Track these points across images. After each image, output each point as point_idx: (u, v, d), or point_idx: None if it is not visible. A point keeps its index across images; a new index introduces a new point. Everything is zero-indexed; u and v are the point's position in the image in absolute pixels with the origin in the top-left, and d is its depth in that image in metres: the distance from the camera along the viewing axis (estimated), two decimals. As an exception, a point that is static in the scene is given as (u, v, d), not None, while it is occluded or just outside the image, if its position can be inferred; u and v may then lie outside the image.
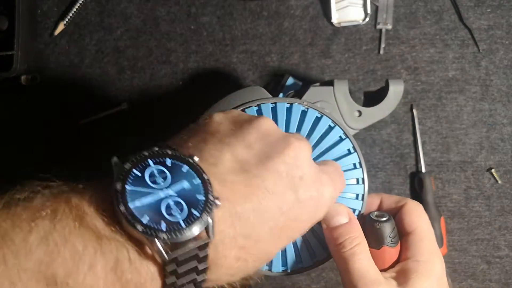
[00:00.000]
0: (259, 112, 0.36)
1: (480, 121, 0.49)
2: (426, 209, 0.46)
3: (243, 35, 0.49)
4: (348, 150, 0.36)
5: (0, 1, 0.47)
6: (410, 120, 0.49)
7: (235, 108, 0.36)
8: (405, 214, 0.34)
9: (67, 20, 0.49)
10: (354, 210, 0.35)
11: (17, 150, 0.49)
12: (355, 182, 0.36)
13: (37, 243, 0.20)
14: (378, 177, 0.49)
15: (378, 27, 0.49)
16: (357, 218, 0.34)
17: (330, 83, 0.41)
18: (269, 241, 0.26)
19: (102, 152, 0.36)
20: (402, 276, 0.32)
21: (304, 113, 0.36)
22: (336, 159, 0.35)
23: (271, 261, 0.35)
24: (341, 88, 0.40)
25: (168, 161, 0.24)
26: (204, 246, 0.23)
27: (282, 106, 0.36)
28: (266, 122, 0.29)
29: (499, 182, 0.49)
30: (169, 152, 0.24)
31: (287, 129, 0.35)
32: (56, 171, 0.24)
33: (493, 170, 0.49)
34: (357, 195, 0.36)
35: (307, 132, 0.36)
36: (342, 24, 0.49)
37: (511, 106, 0.49)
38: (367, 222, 0.34)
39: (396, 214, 0.35)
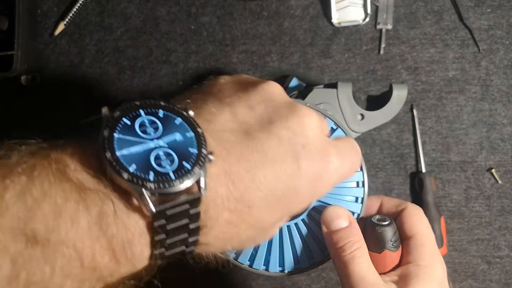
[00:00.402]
0: None
1: (480, 121, 0.49)
2: (426, 209, 0.47)
3: (243, 35, 0.49)
4: None
5: (0, 1, 0.47)
6: (410, 120, 0.49)
7: None
8: (406, 218, 0.34)
9: (67, 20, 0.49)
10: (353, 213, 0.35)
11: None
12: (355, 185, 0.36)
13: (14, 200, 0.19)
14: (378, 177, 0.49)
15: (378, 27, 0.49)
16: (357, 221, 0.34)
17: (334, 85, 0.41)
18: (263, 208, 0.25)
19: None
20: (403, 280, 0.32)
21: None
22: None
23: (269, 261, 0.35)
24: (345, 91, 0.40)
25: (161, 112, 0.23)
26: (195, 202, 0.21)
27: None
28: (273, 86, 0.27)
29: (499, 182, 0.49)
30: (163, 103, 0.23)
31: None
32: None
33: (493, 170, 0.49)
34: (357, 198, 0.36)
35: None
36: (342, 24, 0.49)
37: (511, 106, 0.49)
38: (368, 226, 0.34)
39: (396, 218, 0.35)
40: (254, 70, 0.49)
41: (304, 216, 0.35)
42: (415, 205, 0.35)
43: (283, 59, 0.49)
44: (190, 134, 0.23)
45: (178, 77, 0.49)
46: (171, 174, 0.21)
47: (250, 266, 0.36)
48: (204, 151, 0.22)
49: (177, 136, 0.22)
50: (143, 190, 0.20)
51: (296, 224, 0.35)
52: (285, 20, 0.49)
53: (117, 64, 0.49)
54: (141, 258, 0.22)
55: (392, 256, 0.33)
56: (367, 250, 0.32)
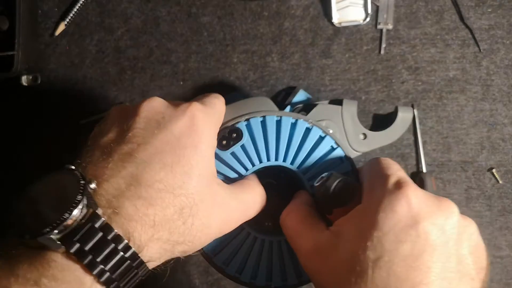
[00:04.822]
0: (264, 123, 0.36)
1: (481, 121, 0.49)
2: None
3: (244, 35, 0.49)
4: (347, 173, 0.36)
5: (1, 1, 0.47)
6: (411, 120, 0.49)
7: (240, 116, 0.36)
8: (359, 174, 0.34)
9: (67, 20, 0.49)
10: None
11: (17, 151, 0.49)
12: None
13: None
14: (379, 177, 0.49)
15: (379, 27, 0.49)
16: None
17: (339, 102, 0.41)
18: (156, 165, 0.27)
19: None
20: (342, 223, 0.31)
21: (308, 131, 0.36)
22: None
23: (256, 274, 0.35)
24: (349, 109, 0.40)
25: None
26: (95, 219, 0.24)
27: (287, 121, 0.36)
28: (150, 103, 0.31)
29: (500, 182, 0.49)
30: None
31: (289, 143, 0.35)
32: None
33: (494, 170, 0.48)
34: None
35: (308, 150, 0.36)
36: (343, 24, 0.49)
37: (512, 106, 0.49)
38: (315, 192, 0.33)
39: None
40: (255, 70, 0.49)
41: None
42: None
43: (283, 59, 0.49)
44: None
45: (179, 77, 0.49)
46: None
47: (238, 278, 0.36)
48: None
49: None
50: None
51: (286, 240, 0.35)
52: (285, 20, 0.49)
53: (118, 64, 0.49)
54: None
55: (343, 212, 0.31)
56: (300, 212, 0.33)
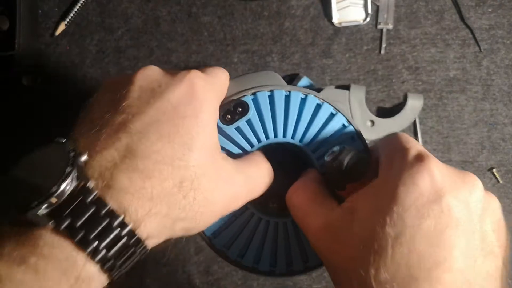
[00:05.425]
0: (271, 98, 0.33)
1: (481, 121, 0.49)
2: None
3: (244, 35, 0.49)
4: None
5: (1, 1, 0.47)
6: (411, 120, 0.49)
7: (246, 90, 0.33)
8: (373, 151, 0.33)
9: (68, 20, 0.49)
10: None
11: (17, 151, 0.49)
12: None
13: None
14: (379, 177, 0.49)
15: (379, 27, 0.49)
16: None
17: (347, 87, 0.39)
18: (154, 136, 0.26)
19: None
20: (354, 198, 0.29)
21: (318, 107, 0.33)
22: None
23: (259, 258, 0.33)
24: (357, 94, 0.38)
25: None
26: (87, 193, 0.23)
27: (297, 96, 0.33)
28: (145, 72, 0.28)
29: (501, 182, 0.49)
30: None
31: (298, 119, 0.33)
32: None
33: (494, 170, 0.48)
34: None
35: (318, 128, 0.33)
36: (343, 24, 0.49)
37: (513, 106, 0.49)
38: (326, 167, 0.32)
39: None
40: (255, 70, 0.49)
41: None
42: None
43: (284, 59, 0.49)
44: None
45: (179, 77, 0.49)
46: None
47: (239, 262, 0.34)
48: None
49: None
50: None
51: (292, 222, 0.33)
52: (286, 20, 0.49)
53: (118, 64, 0.49)
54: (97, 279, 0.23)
55: (356, 188, 0.30)
56: (310, 190, 0.31)
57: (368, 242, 0.25)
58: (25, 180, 0.24)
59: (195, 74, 0.28)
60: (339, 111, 0.33)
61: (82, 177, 0.23)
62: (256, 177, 0.32)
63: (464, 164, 0.49)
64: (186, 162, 0.26)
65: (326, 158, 0.31)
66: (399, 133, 0.30)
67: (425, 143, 0.49)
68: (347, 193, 0.31)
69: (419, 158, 0.27)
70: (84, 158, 0.24)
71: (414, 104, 0.40)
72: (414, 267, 0.24)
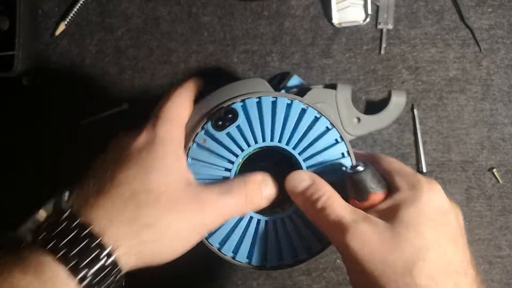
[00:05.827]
0: (259, 104, 0.36)
1: (481, 120, 0.49)
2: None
3: (244, 35, 0.49)
4: (342, 153, 0.36)
5: (1, 1, 0.47)
6: (411, 120, 0.49)
7: (235, 97, 0.36)
8: (379, 159, 0.36)
9: (68, 20, 0.49)
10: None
11: (17, 151, 0.49)
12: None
13: None
14: (379, 177, 0.49)
15: (379, 27, 0.49)
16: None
17: (334, 86, 0.41)
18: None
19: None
20: (390, 211, 0.32)
21: (303, 111, 0.36)
22: (329, 162, 0.36)
23: (251, 254, 0.36)
24: (344, 93, 0.41)
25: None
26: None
27: (283, 101, 0.36)
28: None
29: (501, 182, 0.49)
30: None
31: (284, 124, 0.36)
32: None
33: (494, 170, 0.48)
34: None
35: (303, 131, 0.36)
36: (343, 25, 0.49)
37: (512, 106, 0.49)
38: (347, 178, 0.34)
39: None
40: (255, 70, 0.49)
41: (291, 212, 0.36)
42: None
43: (284, 59, 0.49)
44: None
45: (179, 77, 0.49)
46: None
47: (233, 258, 0.37)
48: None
49: None
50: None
51: (282, 220, 0.36)
52: (285, 20, 0.49)
53: (118, 64, 0.49)
54: None
55: (380, 198, 0.33)
56: (339, 196, 0.33)
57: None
58: None
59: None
60: (323, 114, 0.36)
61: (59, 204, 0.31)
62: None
63: (464, 164, 0.49)
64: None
65: (349, 171, 0.34)
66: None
67: (425, 143, 0.49)
68: (365, 203, 0.34)
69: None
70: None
71: (398, 101, 0.43)
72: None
